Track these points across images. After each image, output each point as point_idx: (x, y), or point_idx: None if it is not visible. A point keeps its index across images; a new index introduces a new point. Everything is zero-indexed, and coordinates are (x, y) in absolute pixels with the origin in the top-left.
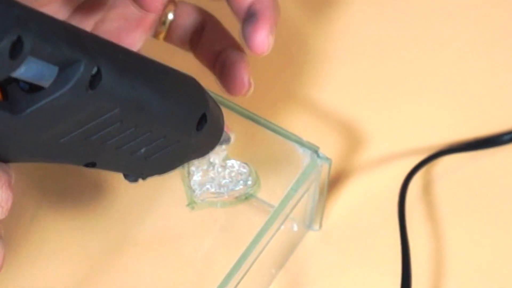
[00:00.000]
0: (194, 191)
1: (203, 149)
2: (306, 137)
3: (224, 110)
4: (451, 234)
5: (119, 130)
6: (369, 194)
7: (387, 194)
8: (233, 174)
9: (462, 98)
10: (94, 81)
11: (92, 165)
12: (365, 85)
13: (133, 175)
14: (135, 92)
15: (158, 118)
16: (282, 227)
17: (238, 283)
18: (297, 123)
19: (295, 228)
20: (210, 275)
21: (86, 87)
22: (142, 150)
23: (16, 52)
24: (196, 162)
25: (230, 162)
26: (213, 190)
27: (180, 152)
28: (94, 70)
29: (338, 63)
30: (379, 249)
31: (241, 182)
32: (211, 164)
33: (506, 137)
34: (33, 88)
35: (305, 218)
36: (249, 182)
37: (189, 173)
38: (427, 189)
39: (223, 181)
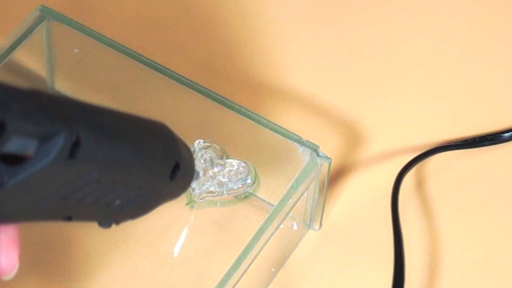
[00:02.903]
0: (193, 190)
1: (175, 193)
2: (305, 136)
3: (224, 110)
4: (445, 230)
5: (96, 189)
6: (369, 192)
7: (387, 192)
8: (232, 173)
9: (459, 96)
10: (73, 149)
11: (68, 218)
12: (363, 83)
13: (107, 223)
14: (112, 153)
15: (133, 173)
16: (282, 226)
17: (238, 281)
18: (297, 122)
19: (295, 227)
20: (210, 273)
21: (66, 157)
22: (117, 202)
23: (1, 134)
24: (195, 161)
25: (229, 161)
26: (212, 189)
27: (153, 199)
28: (73, 139)
29: (337, 62)
30: (379, 247)
31: (241, 181)
32: (211, 163)
33: (505, 135)
34: (14, 158)
35: (305, 217)
36: (249, 181)
37: None
38: (421, 185)
39: (223, 180)
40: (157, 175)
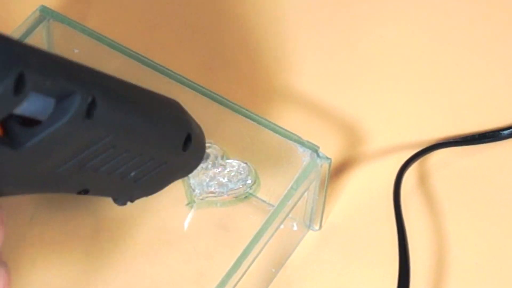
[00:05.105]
0: (194, 190)
1: (187, 169)
2: (306, 136)
3: (225, 110)
4: (448, 226)
5: (112, 155)
6: (369, 193)
7: (387, 191)
8: (232, 173)
9: (458, 94)
10: (90, 110)
11: (84, 192)
12: (362, 81)
13: (122, 199)
14: (126, 118)
15: (147, 141)
16: (282, 226)
17: (238, 282)
18: (297, 122)
19: (295, 227)
20: (210, 274)
21: (83, 117)
22: (132, 174)
23: (19, 88)
24: None
25: (229, 162)
26: (212, 189)
27: (167, 173)
28: (89, 99)
29: (336, 61)
30: (380, 248)
31: (241, 181)
32: (211, 164)
33: (504, 132)
34: (29, 122)
35: (305, 217)
36: (249, 181)
37: None
38: (424, 181)
39: (223, 180)
40: (170, 145)
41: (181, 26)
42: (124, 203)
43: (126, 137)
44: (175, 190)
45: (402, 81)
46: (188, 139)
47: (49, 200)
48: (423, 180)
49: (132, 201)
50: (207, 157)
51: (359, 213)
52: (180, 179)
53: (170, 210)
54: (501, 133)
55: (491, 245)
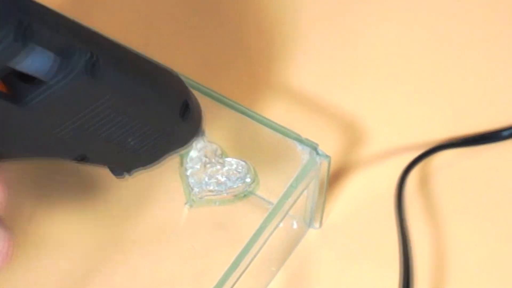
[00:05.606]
0: (192, 189)
1: (185, 139)
2: (305, 134)
3: (223, 108)
4: (450, 228)
5: (111, 119)
6: (369, 191)
7: (388, 190)
8: (231, 172)
9: (461, 94)
10: (93, 69)
11: (82, 158)
12: (363, 80)
13: (119, 169)
14: (128, 80)
15: (147, 105)
16: (281, 225)
17: (237, 280)
18: (296, 120)
19: (295, 226)
20: (209, 273)
21: (87, 75)
22: (131, 142)
23: (20, 35)
24: (194, 160)
25: (228, 160)
26: (211, 188)
27: (164, 142)
28: (93, 57)
29: (337, 59)
30: (381, 246)
31: (240, 179)
32: (210, 162)
33: (504, 133)
34: (32, 81)
35: (305, 216)
36: (248, 180)
37: (187, 170)
38: (425, 183)
39: (222, 179)
40: (168, 110)
41: (180, 25)
42: (121, 174)
43: (126, 99)
44: (173, 189)
45: (403, 82)
46: (186, 106)
47: (47, 198)
48: (424, 181)
49: (129, 172)
50: (203, 133)
51: (359, 212)
52: (177, 153)
53: (168, 209)
54: (501, 134)
55: (492, 245)
